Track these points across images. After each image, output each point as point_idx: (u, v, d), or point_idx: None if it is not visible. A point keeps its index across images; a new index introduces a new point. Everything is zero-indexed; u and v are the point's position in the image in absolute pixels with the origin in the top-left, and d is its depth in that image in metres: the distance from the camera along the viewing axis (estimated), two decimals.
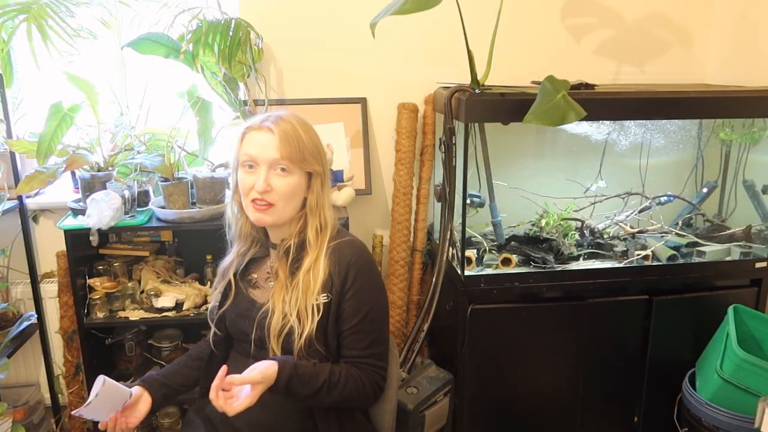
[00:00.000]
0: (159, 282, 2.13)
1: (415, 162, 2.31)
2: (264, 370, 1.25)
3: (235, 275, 1.48)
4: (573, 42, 2.36)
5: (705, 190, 2.29)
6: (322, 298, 1.37)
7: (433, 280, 2.10)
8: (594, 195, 2.25)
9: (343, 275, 1.37)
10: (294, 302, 1.36)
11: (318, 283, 1.36)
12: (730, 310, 1.94)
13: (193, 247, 2.26)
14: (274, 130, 1.35)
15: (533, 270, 2.04)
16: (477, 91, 1.91)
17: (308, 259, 1.39)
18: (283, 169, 1.35)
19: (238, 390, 1.24)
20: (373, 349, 1.40)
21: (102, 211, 1.88)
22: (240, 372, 1.28)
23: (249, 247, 1.49)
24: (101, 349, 2.17)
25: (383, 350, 1.43)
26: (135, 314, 2.04)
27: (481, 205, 2.12)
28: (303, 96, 2.25)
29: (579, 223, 2.22)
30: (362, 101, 2.28)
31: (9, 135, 2.00)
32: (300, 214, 1.41)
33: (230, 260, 1.50)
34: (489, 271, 2.04)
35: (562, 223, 2.16)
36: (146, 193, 2.15)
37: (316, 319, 1.35)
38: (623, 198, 2.26)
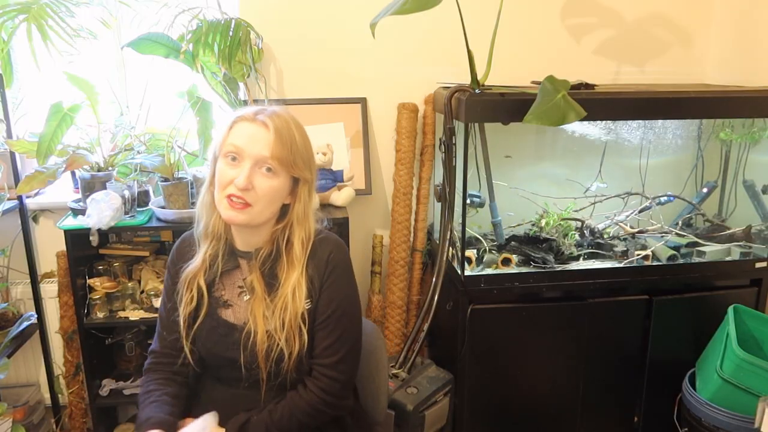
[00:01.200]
0: (159, 282, 2.13)
1: (415, 162, 2.31)
2: None
3: (208, 288, 1.33)
4: (573, 42, 2.36)
5: (705, 190, 2.29)
6: (306, 305, 1.29)
7: (433, 280, 2.10)
8: (594, 195, 2.25)
9: (322, 271, 1.30)
10: (279, 322, 1.26)
11: (303, 299, 1.28)
12: (730, 310, 1.94)
13: None
14: (268, 125, 1.23)
15: (533, 270, 2.04)
16: (477, 91, 1.91)
17: (294, 275, 1.28)
18: (269, 169, 1.23)
19: None
20: (332, 349, 1.29)
21: (102, 211, 1.88)
22: (224, 407, 1.29)
23: (216, 251, 1.34)
24: (101, 349, 2.17)
25: (345, 353, 1.31)
26: (135, 314, 2.05)
27: (481, 205, 2.12)
28: (303, 96, 2.25)
29: (579, 223, 2.22)
30: (362, 101, 2.28)
31: (9, 135, 2.00)
32: (280, 223, 1.31)
33: (197, 265, 1.33)
34: (489, 271, 2.04)
35: (562, 223, 2.16)
36: (146, 193, 2.15)
37: (305, 337, 1.27)
38: (623, 198, 2.26)
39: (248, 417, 1.29)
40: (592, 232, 2.21)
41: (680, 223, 2.28)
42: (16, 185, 1.97)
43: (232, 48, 2.00)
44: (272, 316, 1.27)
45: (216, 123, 2.08)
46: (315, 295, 1.30)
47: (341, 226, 2.00)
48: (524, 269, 2.05)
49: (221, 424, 1.29)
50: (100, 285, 2.04)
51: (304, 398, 1.30)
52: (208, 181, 1.32)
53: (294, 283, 1.27)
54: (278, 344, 1.26)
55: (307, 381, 1.31)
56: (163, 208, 2.01)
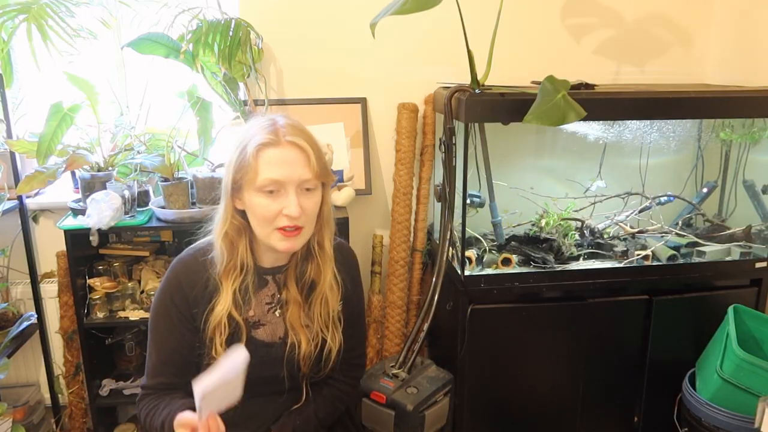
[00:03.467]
0: (159, 282, 2.12)
1: (415, 162, 2.31)
2: None
3: (246, 321, 1.28)
4: (573, 42, 2.36)
5: (705, 190, 2.29)
6: (339, 306, 1.35)
7: (433, 280, 2.10)
8: (594, 195, 2.25)
9: (352, 274, 1.40)
10: (321, 320, 1.29)
11: (338, 294, 1.33)
12: (730, 310, 1.94)
13: None
14: (299, 144, 1.17)
15: (533, 270, 2.04)
16: (477, 91, 1.91)
17: (329, 272, 1.29)
18: (308, 188, 1.20)
19: None
20: (357, 342, 1.46)
21: (102, 211, 1.88)
22: (261, 417, 1.33)
23: (245, 282, 1.28)
24: (101, 349, 2.17)
25: (363, 344, 1.53)
26: (135, 314, 2.05)
27: (481, 205, 2.12)
28: (303, 96, 2.25)
29: (579, 223, 2.22)
30: (362, 101, 2.28)
31: (9, 135, 2.00)
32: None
33: (226, 305, 1.25)
34: (489, 271, 2.04)
35: (562, 223, 2.16)
36: (146, 193, 2.15)
37: (340, 330, 1.35)
38: (623, 198, 2.26)
39: (293, 421, 1.34)
40: (592, 232, 2.20)
41: (680, 223, 2.27)
42: (16, 185, 1.97)
43: (232, 48, 2.00)
44: (313, 317, 1.30)
45: (216, 123, 2.08)
46: (348, 297, 1.38)
47: (341, 226, 2.00)
48: (524, 269, 2.05)
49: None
50: (100, 285, 2.04)
51: (342, 389, 1.42)
52: (226, 212, 1.24)
53: (329, 280, 1.31)
54: (323, 343, 1.31)
55: (338, 374, 1.40)
56: (163, 208, 2.01)
